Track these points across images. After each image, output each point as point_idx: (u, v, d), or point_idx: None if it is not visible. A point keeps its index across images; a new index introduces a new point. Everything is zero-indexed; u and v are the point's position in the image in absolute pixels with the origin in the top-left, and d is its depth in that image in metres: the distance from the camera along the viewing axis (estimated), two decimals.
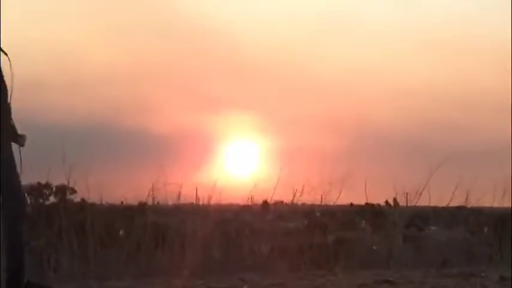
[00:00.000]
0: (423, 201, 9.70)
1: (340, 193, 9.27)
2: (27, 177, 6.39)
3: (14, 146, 5.33)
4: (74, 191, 9.16)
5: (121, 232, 8.63)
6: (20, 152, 5.11)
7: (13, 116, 5.47)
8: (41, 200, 10.02)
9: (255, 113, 19.32)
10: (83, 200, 8.82)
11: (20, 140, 5.27)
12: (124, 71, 22.45)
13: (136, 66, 22.28)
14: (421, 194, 9.47)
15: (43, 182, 9.67)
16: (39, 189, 10.08)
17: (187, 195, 9.23)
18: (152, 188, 8.72)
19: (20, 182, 5.20)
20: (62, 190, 9.48)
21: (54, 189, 10.10)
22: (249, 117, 18.82)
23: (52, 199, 9.99)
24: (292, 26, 23.70)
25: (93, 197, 8.66)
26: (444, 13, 23.27)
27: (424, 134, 20.32)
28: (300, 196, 9.40)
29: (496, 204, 9.93)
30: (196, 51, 23.04)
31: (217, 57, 22.68)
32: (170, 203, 9.15)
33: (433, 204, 9.91)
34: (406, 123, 22.52)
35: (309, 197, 9.53)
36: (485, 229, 10.43)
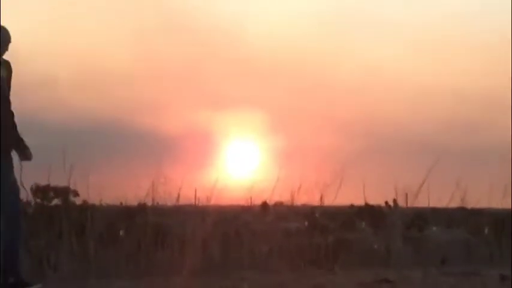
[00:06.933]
0: (423, 202, 9.70)
1: (337, 193, 9.25)
2: (28, 177, 6.43)
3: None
4: (76, 194, 9.18)
5: (121, 232, 8.63)
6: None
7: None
8: (45, 202, 10.06)
9: (261, 112, 19.30)
10: (84, 201, 8.84)
11: (27, 153, 5.48)
12: (128, 71, 22.44)
13: (140, 66, 22.27)
14: (418, 194, 9.46)
15: (43, 182, 9.70)
16: (44, 191, 10.11)
17: (187, 196, 9.24)
18: (152, 187, 8.71)
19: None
20: (65, 192, 9.49)
21: (58, 191, 10.12)
22: (254, 117, 18.82)
23: (56, 201, 10.01)
24: (300, 25, 23.64)
25: (93, 198, 8.68)
26: (454, 12, 23.20)
27: (427, 133, 20.26)
28: (299, 196, 9.40)
29: (496, 205, 9.93)
30: (202, 51, 23.01)
31: (223, 57, 22.65)
32: (169, 203, 9.15)
33: (432, 205, 9.91)
34: (410, 123, 22.44)
35: (308, 198, 9.52)
36: (486, 230, 10.41)
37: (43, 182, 9.71)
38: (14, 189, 5.40)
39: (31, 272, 7.03)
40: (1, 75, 5.32)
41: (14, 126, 5.49)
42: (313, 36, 23.50)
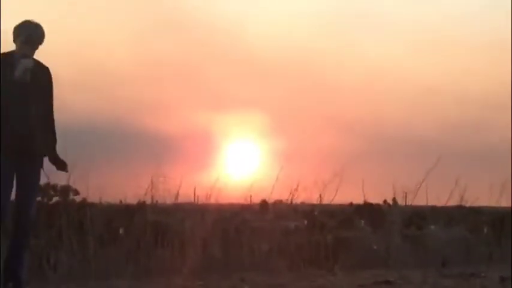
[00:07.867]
0: (422, 201, 9.69)
1: (336, 191, 9.24)
2: None
3: None
4: (77, 193, 9.16)
5: (121, 231, 8.60)
6: None
7: None
8: (45, 200, 10.03)
9: (261, 112, 19.27)
10: (84, 199, 8.81)
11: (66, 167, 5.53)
12: (128, 71, 22.39)
13: (140, 66, 22.22)
14: (417, 192, 9.44)
15: (42, 181, 9.66)
16: (45, 189, 10.10)
17: (186, 194, 9.23)
18: (151, 185, 8.69)
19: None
20: (65, 190, 9.47)
21: (59, 189, 10.11)
22: (254, 117, 18.79)
23: (56, 199, 9.99)
24: (301, 25, 23.56)
25: (92, 196, 8.66)
26: (454, 12, 23.13)
27: (427, 133, 20.24)
28: (297, 195, 9.39)
29: (495, 204, 9.93)
30: (202, 51, 22.95)
31: (223, 57, 22.58)
32: (169, 201, 9.13)
33: (431, 203, 9.90)
34: (410, 123, 22.40)
35: (308, 196, 9.52)
36: (485, 229, 10.41)
37: (42, 181, 9.67)
38: (33, 194, 5.43)
39: (31, 272, 7.02)
40: (24, 78, 5.22)
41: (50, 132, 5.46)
42: (314, 36, 23.46)
